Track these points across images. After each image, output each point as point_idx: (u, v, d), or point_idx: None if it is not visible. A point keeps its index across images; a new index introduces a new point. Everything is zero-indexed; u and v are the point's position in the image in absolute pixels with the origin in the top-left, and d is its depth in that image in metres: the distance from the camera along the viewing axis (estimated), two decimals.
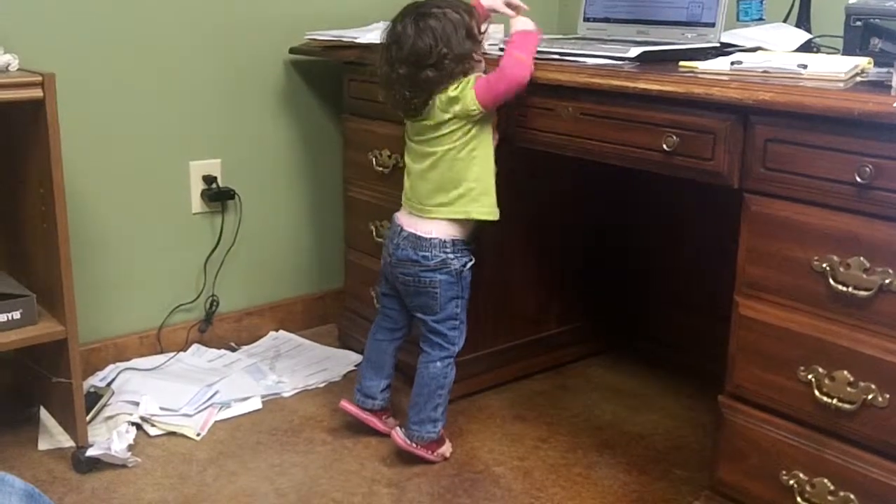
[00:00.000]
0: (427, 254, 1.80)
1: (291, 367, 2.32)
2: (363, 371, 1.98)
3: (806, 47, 1.84)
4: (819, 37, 1.92)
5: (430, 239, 1.80)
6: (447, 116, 1.76)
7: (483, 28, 1.81)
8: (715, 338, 1.81)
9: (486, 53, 1.94)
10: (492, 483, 1.84)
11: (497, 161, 1.85)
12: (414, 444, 1.87)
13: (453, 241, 1.81)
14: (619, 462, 1.92)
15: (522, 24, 1.81)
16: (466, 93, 1.74)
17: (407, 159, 1.88)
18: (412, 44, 1.72)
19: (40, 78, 1.66)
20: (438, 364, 1.86)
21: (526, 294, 2.27)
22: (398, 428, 1.89)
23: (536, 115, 1.77)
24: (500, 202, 2.11)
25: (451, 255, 1.81)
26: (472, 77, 1.75)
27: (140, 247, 2.27)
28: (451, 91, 1.74)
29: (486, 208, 1.83)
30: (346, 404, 1.97)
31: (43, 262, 1.82)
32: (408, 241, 1.82)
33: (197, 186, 2.34)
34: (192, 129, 2.30)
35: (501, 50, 1.93)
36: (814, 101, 1.31)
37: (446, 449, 1.92)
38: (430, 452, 1.89)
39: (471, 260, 1.85)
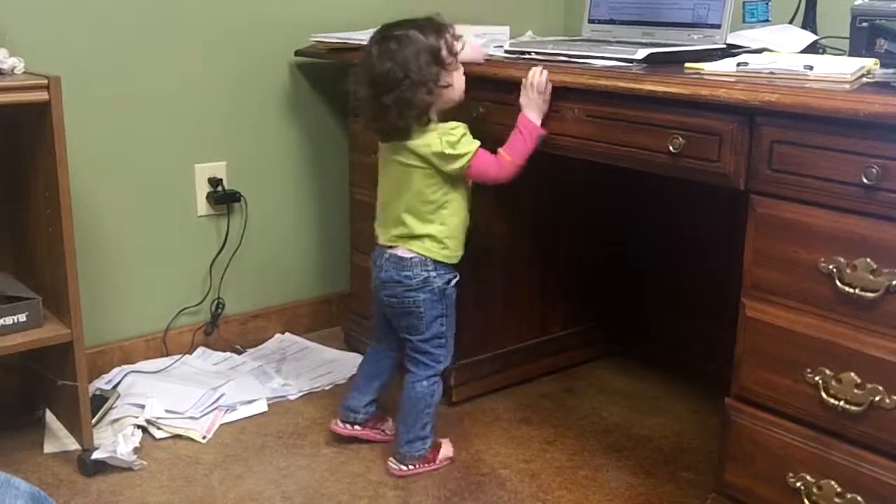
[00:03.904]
0: (409, 273, 1.79)
1: (297, 369, 2.32)
2: (352, 385, 1.98)
3: (812, 48, 1.83)
4: (825, 38, 1.91)
5: (412, 258, 1.79)
6: (423, 162, 1.75)
7: (459, 48, 1.74)
8: (721, 340, 1.81)
9: (489, 56, 1.94)
10: (498, 486, 1.84)
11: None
12: (410, 467, 1.86)
13: (434, 260, 1.80)
14: (626, 465, 1.92)
15: (532, 108, 1.73)
16: (460, 160, 1.73)
17: (379, 181, 1.87)
18: (370, 67, 1.71)
19: (46, 81, 1.66)
20: (425, 383, 1.84)
21: (532, 296, 2.27)
22: (390, 461, 1.87)
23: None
24: (505, 205, 2.11)
25: (432, 274, 1.80)
26: (472, 144, 1.74)
27: (145, 249, 2.27)
28: (445, 147, 1.72)
29: (449, 251, 1.82)
30: (333, 428, 1.97)
31: (49, 264, 1.83)
32: (390, 262, 1.81)
33: (202, 189, 2.34)
34: (197, 131, 2.30)
35: (507, 52, 1.94)
36: (820, 103, 1.31)
37: (445, 452, 1.91)
38: (430, 465, 1.88)
39: (454, 277, 1.84)
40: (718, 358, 1.97)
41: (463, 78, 1.78)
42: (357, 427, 1.96)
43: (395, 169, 1.80)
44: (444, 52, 1.71)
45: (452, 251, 1.82)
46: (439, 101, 1.74)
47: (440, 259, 1.80)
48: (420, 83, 1.68)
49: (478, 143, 1.76)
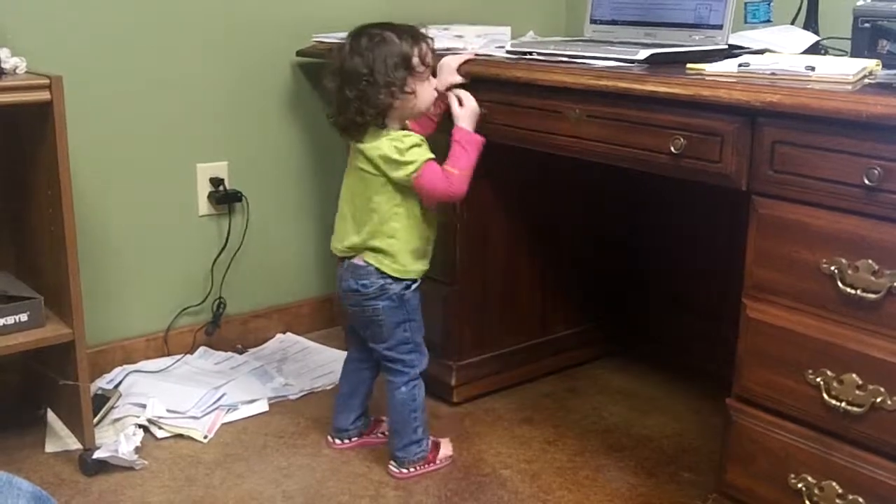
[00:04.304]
0: (366, 282, 1.77)
1: (298, 369, 2.32)
2: (335, 405, 1.98)
3: (814, 49, 1.83)
4: (827, 39, 1.91)
5: (367, 266, 1.78)
6: (372, 167, 1.74)
7: (430, 62, 1.75)
8: (723, 340, 1.81)
9: (487, 55, 1.94)
10: (499, 486, 1.84)
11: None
12: (410, 470, 1.86)
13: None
14: (627, 465, 1.92)
15: (465, 118, 1.77)
16: (407, 167, 1.70)
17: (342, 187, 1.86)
18: (341, 60, 1.72)
19: (48, 80, 1.66)
20: (403, 389, 1.83)
21: (532, 296, 2.27)
22: (390, 465, 1.88)
23: (543, 118, 1.77)
24: (506, 205, 2.10)
25: (388, 281, 1.77)
26: (422, 155, 1.71)
27: (147, 249, 2.27)
28: (392, 151, 1.70)
29: (400, 266, 1.77)
30: (330, 445, 1.97)
31: (50, 264, 1.83)
32: (348, 271, 1.80)
33: (204, 189, 2.34)
34: (199, 131, 2.30)
35: (508, 53, 1.94)
36: (821, 104, 1.31)
37: (445, 451, 1.91)
38: (430, 465, 1.88)
39: (413, 282, 1.81)
40: (719, 358, 1.97)
41: (432, 93, 1.77)
42: (354, 439, 1.97)
43: (353, 175, 1.80)
44: (415, 60, 1.71)
45: (405, 266, 1.78)
46: (401, 107, 1.72)
47: (392, 273, 1.77)
48: (384, 83, 1.68)
49: (430, 155, 1.73)
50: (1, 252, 2.02)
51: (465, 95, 1.79)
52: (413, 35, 1.73)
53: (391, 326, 1.80)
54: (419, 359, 1.85)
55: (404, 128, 1.77)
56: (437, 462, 1.89)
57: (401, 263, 1.77)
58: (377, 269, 1.77)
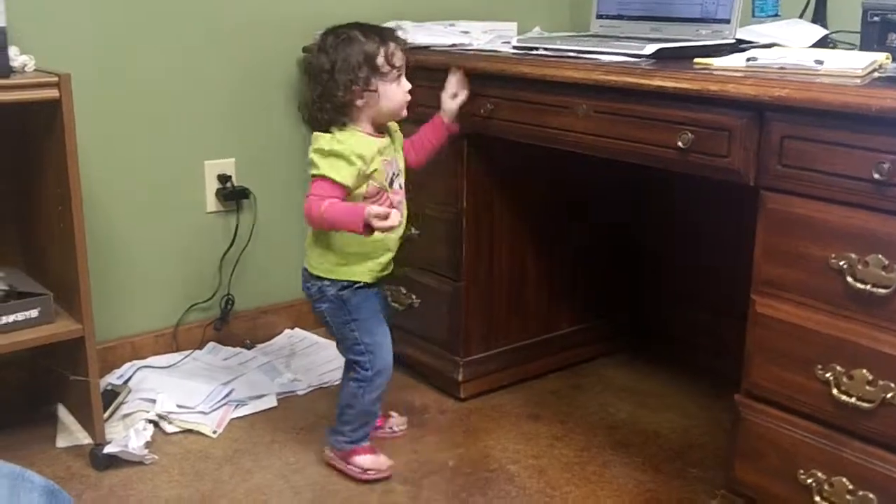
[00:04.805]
0: (309, 284, 1.80)
1: (306, 365, 2.32)
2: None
3: (822, 43, 1.83)
4: (835, 32, 1.91)
5: (307, 270, 1.80)
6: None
7: (398, 63, 1.70)
8: (731, 336, 1.80)
9: (493, 52, 1.93)
10: (506, 481, 1.84)
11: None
12: (332, 455, 1.86)
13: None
14: (634, 461, 1.92)
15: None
16: (310, 169, 1.67)
17: None
18: (311, 60, 1.73)
19: (56, 78, 1.67)
20: (352, 384, 1.81)
21: (539, 293, 2.27)
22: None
23: (551, 113, 1.77)
24: (512, 202, 2.09)
25: (326, 283, 1.77)
26: (321, 169, 1.65)
27: (155, 246, 2.28)
28: (311, 151, 1.68)
29: (328, 265, 1.75)
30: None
31: (60, 261, 1.83)
32: (301, 274, 1.83)
33: (212, 185, 2.34)
34: (206, 128, 2.31)
35: (515, 48, 1.94)
36: (830, 98, 1.31)
37: (363, 461, 1.83)
38: (345, 464, 1.84)
39: (350, 285, 1.76)
40: (726, 354, 1.97)
41: (404, 94, 1.73)
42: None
43: None
44: (379, 59, 1.68)
45: (332, 265, 1.75)
46: (366, 107, 1.69)
47: (320, 274, 1.76)
48: (345, 81, 1.66)
49: (332, 175, 1.64)
50: (11, 249, 2.03)
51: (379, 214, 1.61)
52: (381, 35, 1.71)
53: (337, 327, 1.80)
54: (373, 362, 1.78)
55: (380, 130, 1.75)
56: (349, 467, 1.83)
57: (328, 262, 1.75)
58: (309, 271, 1.78)
